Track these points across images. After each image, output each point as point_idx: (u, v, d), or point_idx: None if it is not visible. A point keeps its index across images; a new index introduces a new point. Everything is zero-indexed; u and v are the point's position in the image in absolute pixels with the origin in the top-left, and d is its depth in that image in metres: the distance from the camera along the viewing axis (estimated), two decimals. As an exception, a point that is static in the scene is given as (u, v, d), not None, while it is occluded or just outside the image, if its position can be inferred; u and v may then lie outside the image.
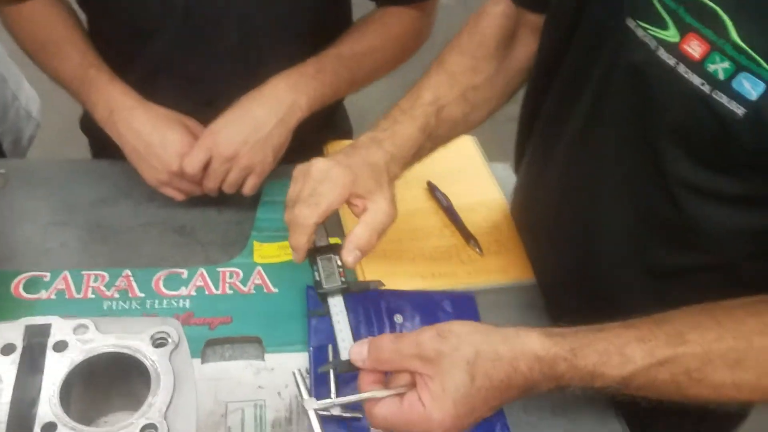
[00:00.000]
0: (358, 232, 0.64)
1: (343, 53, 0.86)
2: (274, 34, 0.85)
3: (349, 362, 0.55)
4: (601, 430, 0.68)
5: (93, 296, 0.73)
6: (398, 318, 0.73)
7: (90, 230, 0.83)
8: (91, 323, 0.57)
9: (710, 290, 0.55)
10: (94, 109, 0.81)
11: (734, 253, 0.59)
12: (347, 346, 0.60)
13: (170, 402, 0.52)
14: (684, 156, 0.55)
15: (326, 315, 0.64)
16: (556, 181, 0.71)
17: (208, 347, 0.69)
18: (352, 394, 0.55)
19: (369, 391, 0.52)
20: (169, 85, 0.86)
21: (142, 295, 0.73)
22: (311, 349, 0.69)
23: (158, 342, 0.56)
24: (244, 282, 0.76)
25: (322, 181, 0.64)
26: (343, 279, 0.65)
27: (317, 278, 0.65)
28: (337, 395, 0.64)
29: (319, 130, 0.95)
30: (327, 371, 0.64)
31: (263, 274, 0.77)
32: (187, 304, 0.73)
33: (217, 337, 0.70)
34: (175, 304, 0.73)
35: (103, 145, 0.85)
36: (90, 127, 0.87)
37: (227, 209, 0.86)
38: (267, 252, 0.79)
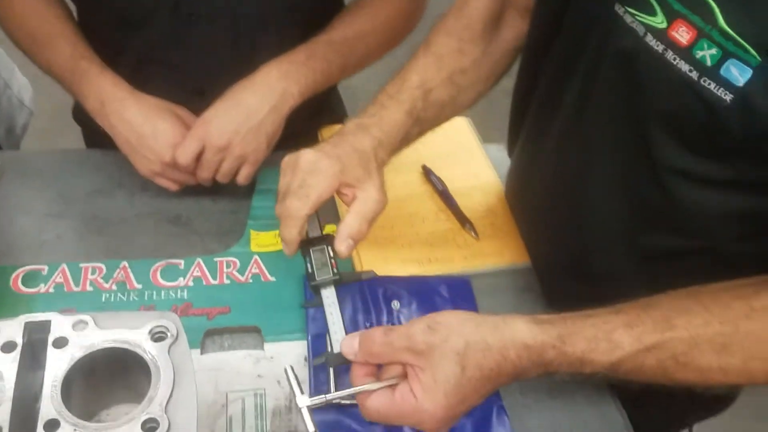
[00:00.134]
0: (348, 221, 0.64)
1: (334, 39, 0.85)
2: (265, 21, 0.84)
3: (341, 355, 0.55)
4: (596, 411, 0.69)
5: (91, 289, 0.73)
6: (395, 304, 0.73)
7: (86, 222, 0.83)
8: (90, 319, 0.57)
9: (700, 273, 0.56)
10: (86, 101, 0.80)
11: (722, 237, 0.59)
12: (339, 339, 0.61)
13: (170, 396, 0.53)
14: (672, 141, 0.55)
15: (321, 306, 0.64)
16: (549, 165, 0.71)
17: (207, 337, 0.70)
18: (349, 383, 0.55)
19: (361, 385, 0.53)
20: (160, 74, 0.85)
21: (140, 286, 0.74)
22: (309, 337, 0.69)
23: (157, 336, 0.57)
24: (241, 271, 0.76)
25: (310, 172, 0.64)
26: (335, 270, 0.65)
27: (309, 270, 0.65)
28: (336, 384, 0.65)
29: (313, 116, 0.95)
30: (322, 363, 0.65)
31: (260, 263, 0.77)
32: (185, 294, 0.73)
33: (215, 327, 0.70)
34: (173, 295, 0.73)
35: (96, 134, 0.84)
36: (83, 116, 0.87)
37: (222, 198, 0.86)
38: (264, 241, 0.80)
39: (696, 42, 0.50)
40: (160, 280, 0.75)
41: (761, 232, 0.57)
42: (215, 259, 0.77)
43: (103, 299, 0.72)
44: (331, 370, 0.66)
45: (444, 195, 0.87)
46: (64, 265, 0.75)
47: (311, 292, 0.67)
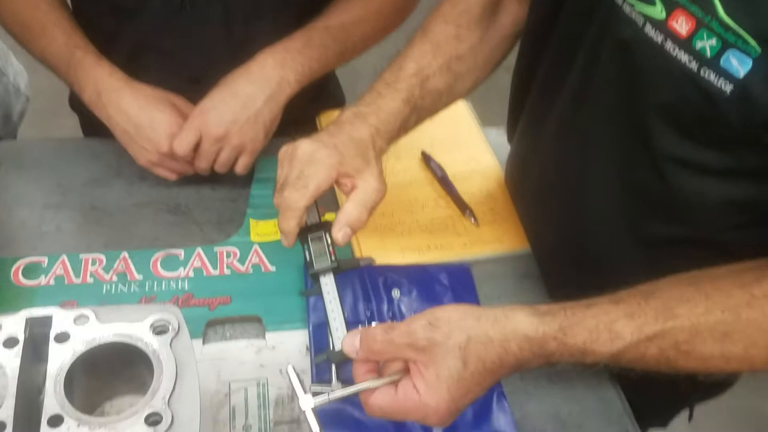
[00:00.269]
0: (348, 209, 0.64)
1: (331, 25, 0.84)
2: (259, 8, 0.83)
3: (342, 352, 0.55)
4: (596, 395, 0.70)
5: (92, 280, 0.73)
6: (396, 293, 0.73)
7: (84, 212, 0.83)
8: (91, 313, 0.57)
9: (699, 260, 0.56)
10: (82, 92, 0.80)
11: (722, 225, 0.59)
12: (340, 335, 0.61)
13: (173, 389, 0.53)
14: (671, 131, 0.55)
15: (320, 294, 0.64)
16: (548, 153, 0.71)
17: (209, 327, 0.70)
18: (351, 373, 0.56)
19: (364, 382, 0.53)
20: (155, 63, 0.85)
21: (141, 277, 0.74)
22: (311, 327, 0.70)
23: (159, 329, 0.57)
24: (241, 261, 0.76)
25: (308, 163, 0.63)
26: (333, 258, 0.65)
27: (308, 259, 0.65)
28: (338, 374, 0.66)
29: (311, 102, 0.95)
30: (340, 360, 0.64)
31: (260, 252, 0.77)
32: (186, 285, 0.73)
33: (217, 317, 0.71)
34: (174, 285, 0.73)
35: (93, 122, 0.84)
36: (79, 104, 0.86)
37: (221, 187, 0.86)
38: (263, 230, 0.80)
39: (695, 32, 0.50)
40: (161, 271, 0.75)
41: (761, 220, 0.57)
42: (215, 249, 0.77)
43: (104, 291, 0.72)
44: (333, 367, 0.67)
45: (443, 181, 0.87)
46: (64, 257, 0.75)
47: (311, 280, 0.67)
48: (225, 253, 0.77)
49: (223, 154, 0.78)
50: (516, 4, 0.74)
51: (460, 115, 0.99)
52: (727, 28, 0.48)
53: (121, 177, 0.87)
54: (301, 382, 0.56)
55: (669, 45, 0.52)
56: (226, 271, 0.75)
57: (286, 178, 0.64)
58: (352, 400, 0.64)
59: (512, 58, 0.79)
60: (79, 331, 0.56)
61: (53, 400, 0.52)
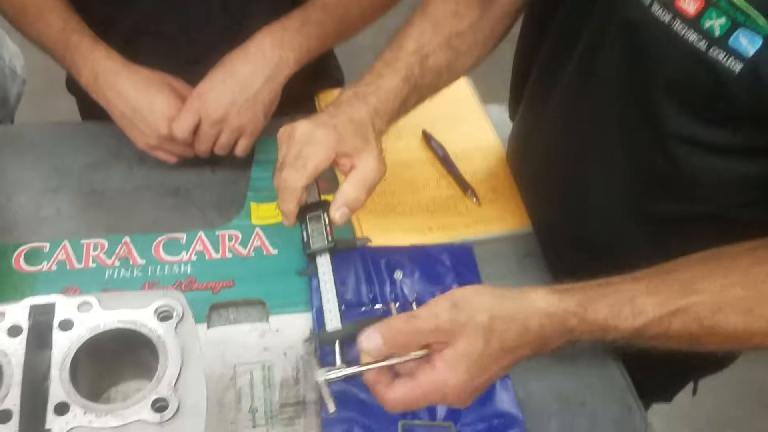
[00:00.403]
0: (345, 188, 0.64)
1: (328, 2, 0.83)
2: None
3: (334, 333, 0.55)
4: (599, 372, 0.70)
5: (94, 265, 0.73)
6: (398, 274, 0.73)
7: (84, 196, 0.83)
8: (94, 300, 0.57)
9: (705, 240, 0.56)
10: (79, 75, 0.79)
11: (728, 202, 0.59)
12: (333, 316, 0.61)
13: (179, 375, 0.54)
14: (678, 110, 0.54)
15: (315, 275, 0.64)
16: (551, 132, 0.71)
17: (212, 311, 0.70)
18: (355, 357, 0.55)
19: (375, 371, 0.52)
20: (152, 45, 0.84)
21: (143, 262, 0.74)
22: (314, 309, 0.70)
23: (163, 315, 0.57)
24: (243, 245, 0.76)
25: (306, 143, 0.63)
26: (330, 238, 0.65)
27: (305, 239, 0.65)
28: (342, 355, 0.66)
29: (309, 81, 0.93)
30: (329, 341, 0.64)
31: (262, 235, 0.77)
32: (189, 269, 0.73)
33: (220, 301, 0.71)
34: (177, 270, 0.73)
35: (90, 104, 0.83)
36: (76, 87, 0.86)
37: (221, 169, 0.86)
38: (264, 213, 0.79)
39: (704, 12, 0.49)
40: (163, 255, 0.75)
41: None
42: (217, 232, 0.77)
43: (107, 276, 0.72)
44: (337, 342, 0.67)
45: (445, 160, 0.87)
46: (66, 242, 0.75)
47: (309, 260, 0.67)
48: (227, 237, 0.77)
49: (223, 136, 0.78)
50: None
51: (461, 92, 0.98)
52: (735, 7, 0.47)
53: (120, 160, 0.87)
54: (318, 357, 0.55)
55: (677, 24, 0.51)
56: (228, 255, 0.75)
57: (284, 159, 0.64)
58: (358, 381, 0.65)
59: (515, 32, 0.78)
60: (83, 319, 0.56)
61: (59, 387, 0.52)
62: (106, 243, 0.75)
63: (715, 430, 1.59)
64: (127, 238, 0.76)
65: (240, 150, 0.80)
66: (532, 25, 0.72)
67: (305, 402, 0.64)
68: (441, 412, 0.64)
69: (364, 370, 0.52)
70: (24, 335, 0.54)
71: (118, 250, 0.75)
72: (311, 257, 0.66)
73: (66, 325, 0.56)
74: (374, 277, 0.73)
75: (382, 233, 0.78)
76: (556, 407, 0.67)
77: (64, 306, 0.57)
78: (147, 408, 0.51)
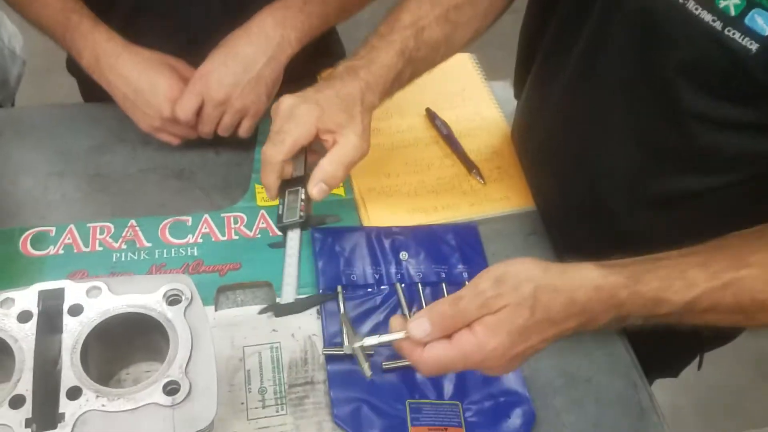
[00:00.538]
0: (323, 165, 0.64)
1: (330, -20, 0.82)
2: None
3: (286, 306, 0.55)
4: (604, 350, 0.71)
5: (101, 249, 0.73)
6: (404, 255, 0.73)
7: (89, 179, 0.83)
8: (103, 284, 0.58)
9: (713, 213, 0.55)
10: (80, 57, 0.78)
11: (746, 174, 0.58)
12: (289, 290, 0.62)
13: (189, 358, 0.54)
14: (692, 87, 0.54)
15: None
16: (558, 110, 0.70)
17: (220, 294, 0.71)
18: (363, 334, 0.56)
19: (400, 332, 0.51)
20: (153, 25, 0.83)
21: (150, 245, 0.74)
22: (320, 291, 0.70)
23: (172, 299, 0.57)
24: (249, 227, 0.76)
25: (287, 118, 0.64)
26: (302, 213, 0.65)
27: (279, 212, 0.66)
28: (348, 337, 0.66)
29: (311, 60, 0.92)
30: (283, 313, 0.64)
31: (267, 217, 0.77)
32: (195, 252, 0.73)
33: (228, 283, 0.71)
34: (184, 252, 0.73)
35: (92, 86, 0.83)
36: (77, 68, 0.85)
37: (225, 150, 0.85)
38: (269, 194, 0.79)
39: None
40: (169, 238, 0.75)
41: None
42: (222, 215, 0.77)
43: (114, 259, 0.72)
44: (343, 323, 0.68)
45: (449, 139, 0.86)
46: (72, 226, 0.75)
47: (322, 242, 0.67)
48: (232, 219, 0.77)
49: (226, 117, 0.77)
50: None
51: (465, 69, 0.97)
52: None
53: (123, 142, 0.86)
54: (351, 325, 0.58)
55: (691, 4, 0.51)
56: (235, 237, 0.75)
57: (269, 133, 0.65)
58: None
59: (518, 6, 0.77)
60: (93, 304, 0.56)
61: (70, 372, 0.52)
62: (112, 226, 0.75)
63: (716, 400, 1.61)
64: (133, 221, 0.76)
65: (243, 131, 0.80)
66: (538, 3, 0.71)
67: (313, 382, 0.65)
68: (448, 391, 0.65)
69: (398, 339, 0.51)
70: (34, 321, 0.55)
71: (124, 233, 0.75)
72: (283, 231, 0.66)
73: (75, 310, 0.56)
74: (380, 257, 0.73)
75: (388, 214, 0.78)
76: (562, 384, 0.68)
77: (73, 291, 0.57)
78: (159, 391, 0.52)
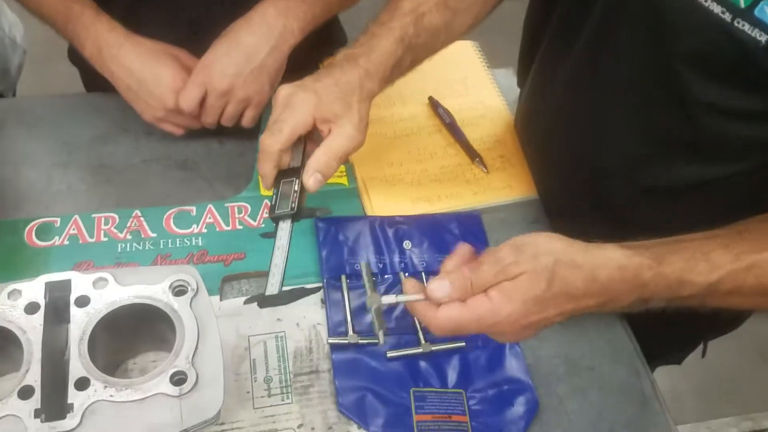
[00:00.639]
0: (317, 154, 0.64)
1: (332, -33, 0.81)
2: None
3: (271, 298, 0.55)
4: (607, 337, 0.71)
5: (106, 239, 0.74)
6: (407, 244, 0.74)
7: (93, 170, 0.83)
8: (109, 276, 0.58)
9: (715, 202, 0.55)
10: (82, 48, 0.78)
11: (754, 164, 0.58)
12: (275, 282, 0.62)
13: (196, 348, 0.55)
14: (701, 77, 0.54)
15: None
16: (562, 98, 0.70)
17: (225, 283, 0.71)
18: (365, 328, 0.56)
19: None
20: (154, 15, 0.83)
21: (155, 235, 0.74)
22: (325, 280, 0.71)
23: (178, 290, 0.58)
24: (253, 216, 0.76)
25: (284, 107, 0.64)
26: (293, 204, 0.65)
27: (272, 202, 0.66)
28: (353, 324, 0.67)
29: (314, 49, 0.92)
30: (268, 305, 0.65)
31: (271, 207, 0.77)
32: (200, 242, 0.74)
33: (233, 273, 0.71)
34: (188, 242, 0.74)
35: (94, 76, 0.82)
36: (79, 58, 0.85)
37: (228, 140, 0.85)
38: (272, 184, 0.79)
39: None
40: (174, 228, 0.75)
41: None
42: (226, 204, 0.77)
43: (119, 249, 0.73)
44: (348, 311, 0.68)
45: (452, 128, 0.86)
46: (77, 216, 0.75)
47: (326, 232, 0.66)
48: (236, 209, 0.77)
49: (230, 107, 0.77)
50: None
51: (467, 56, 0.97)
52: None
53: (127, 133, 0.86)
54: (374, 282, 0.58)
55: None
56: (239, 227, 0.75)
57: (268, 122, 0.65)
58: (367, 349, 0.66)
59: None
60: (99, 295, 0.57)
61: (78, 363, 0.53)
62: (116, 217, 0.76)
63: (717, 386, 1.61)
64: (137, 212, 0.76)
65: (247, 121, 0.80)
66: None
67: (318, 371, 0.65)
68: (452, 379, 0.65)
69: (415, 300, 0.52)
70: (41, 312, 0.55)
71: (129, 224, 0.75)
72: (275, 221, 0.66)
73: (82, 302, 0.57)
74: (384, 247, 0.73)
75: (392, 205, 0.78)
76: (565, 372, 0.68)
77: (79, 282, 0.58)
78: (166, 381, 0.53)
